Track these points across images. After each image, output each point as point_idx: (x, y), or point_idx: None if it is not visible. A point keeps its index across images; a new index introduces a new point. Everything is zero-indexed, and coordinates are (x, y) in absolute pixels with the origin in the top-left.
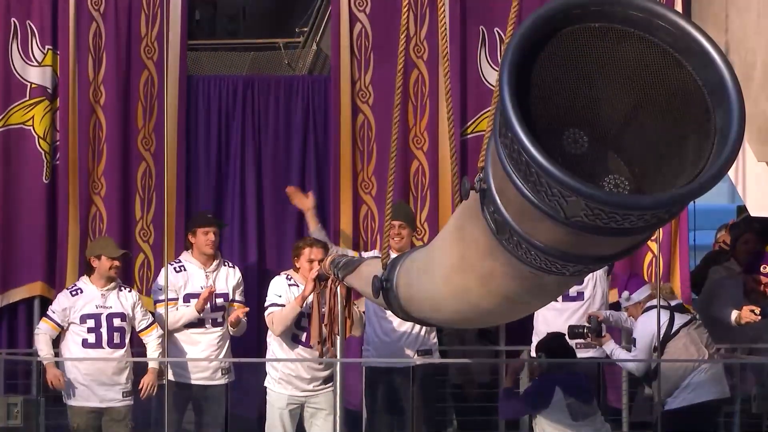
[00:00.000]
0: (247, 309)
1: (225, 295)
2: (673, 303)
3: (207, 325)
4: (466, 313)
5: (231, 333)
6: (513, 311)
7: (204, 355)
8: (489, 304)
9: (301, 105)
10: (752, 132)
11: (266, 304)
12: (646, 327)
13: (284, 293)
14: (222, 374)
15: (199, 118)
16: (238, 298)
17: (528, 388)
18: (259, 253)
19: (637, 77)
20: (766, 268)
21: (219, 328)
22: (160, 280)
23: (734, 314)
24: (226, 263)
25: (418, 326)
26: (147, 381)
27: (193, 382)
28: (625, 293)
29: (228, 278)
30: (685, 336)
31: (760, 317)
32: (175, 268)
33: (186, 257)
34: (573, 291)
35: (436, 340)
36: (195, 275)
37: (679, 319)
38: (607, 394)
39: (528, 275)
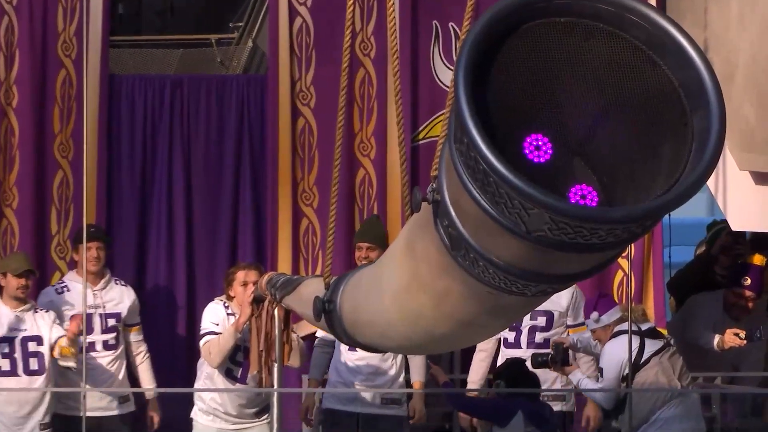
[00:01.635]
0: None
1: (117, 315)
2: (644, 327)
3: (98, 349)
4: (417, 338)
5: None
6: (469, 336)
7: (96, 382)
8: (443, 328)
9: (236, 107)
10: (734, 138)
11: (201, 332)
12: (614, 354)
13: (221, 321)
14: (120, 402)
15: (122, 123)
16: (133, 320)
17: (489, 398)
18: (188, 268)
19: (606, 77)
20: (747, 280)
21: (111, 352)
22: (41, 301)
23: (716, 339)
24: (117, 281)
25: (390, 362)
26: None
27: (88, 414)
28: (594, 314)
29: (121, 297)
30: (656, 365)
31: (745, 341)
32: (56, 290)
33: (71, 276)
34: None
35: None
36: (81, 296)
37: (651, 346)
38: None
39: (486, 296)
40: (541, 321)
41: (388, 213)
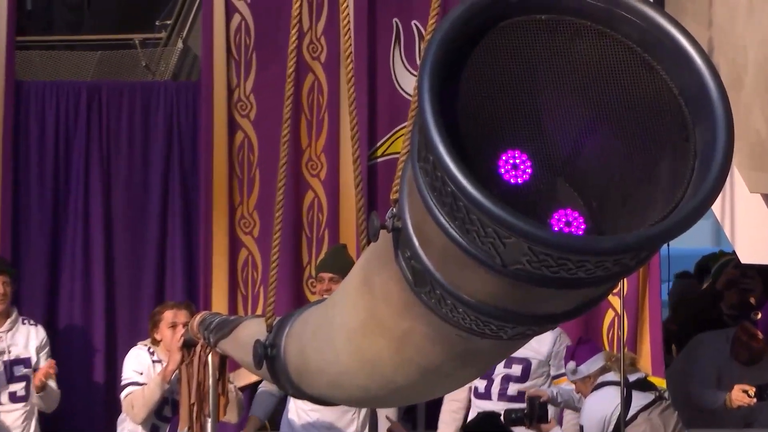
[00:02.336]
0: (54, 363)
1: (26, 361)
2: (632, 378)
3: (3, 401)
4: (375, 388)
5: (38, 406)
6: (434, 386)
7: None
8: (404, 377)
9: (163, 119)
10: (743, 154)
11: (123, 382)
12: (596, 410)
13: (146, 370)
14: None
15: (31, 137)
16: (43, 362)
17: None
18: (107, 306)
19: (595, 84)
20: (758, 315)
21: (21, 404)
22: None
23: (723, 397)
24: (25, 321)
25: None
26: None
27: None
28: (571, 364)
29: (29, 339)
30: (644, 422)
31: (755, 399)
32: None
33: None
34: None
35: None
36: None
37: (639, 400)
38: None
39: (454, 339)
40: (516, 370)
41: (341, 242)
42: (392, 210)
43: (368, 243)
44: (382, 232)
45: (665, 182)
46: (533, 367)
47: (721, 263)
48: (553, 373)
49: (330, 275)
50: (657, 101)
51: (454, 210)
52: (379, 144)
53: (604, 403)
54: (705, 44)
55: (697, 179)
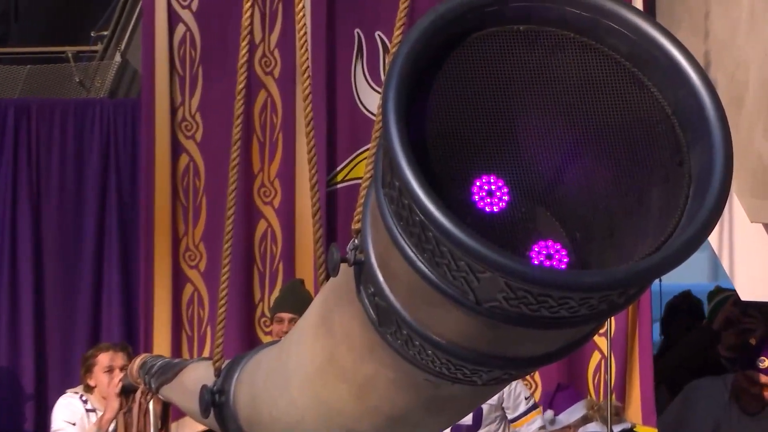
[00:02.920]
0: None
1: None
2: (617, 429)
3: None
4: None
5: None
6: None
7: None
8: (368, 427)
9: (99, 140)
10: (743, 180)
11: None
12: None
13: (79, 419)
14: None
15: None
16: None
17: None
18: (37, 349)
19: (579, 102)
20: (765, 361)
21: None
22: None
23: None
24: None
25: None
26: None
27: None
28: (549, 413)
29: None
30: None
31: None
32: None
33: None
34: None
35: None
36: None
37: None
38: None
39: (423, 385)
40: (467, 418)
41: (298, 277)
42: (354, 241)
43: (327, 278)
44: (343, 265)
45: (656, 211)
46: (484, 413)
47: (718, 300)
48: (510, 416)
49: (290, 315)
50: (647, 122)
51: (422, 241)
52: (339, 168)
53: None
54: (701, 59)
55: (691, 208)
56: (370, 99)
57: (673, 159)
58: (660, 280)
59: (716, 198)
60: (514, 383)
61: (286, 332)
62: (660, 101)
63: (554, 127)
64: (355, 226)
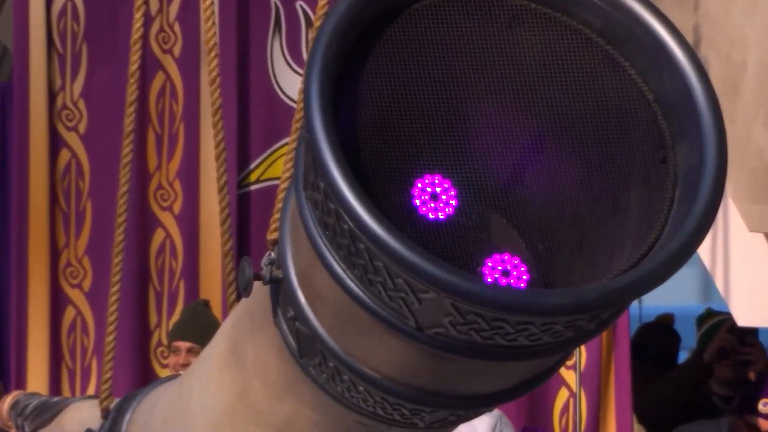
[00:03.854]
0: None
1: None
2: None
3: None
4: None
5: None
6: None
7: None
8: None
9: None
10: (740, 181)
11: None
12: None
13: None
14: None
15: None
16: None
17: None
18: None
19: (541, 88)
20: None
21: None
22: None
23: None
24: None
25: None
26: None
27: None
28: None
29: None
30: None
31: None
32: None
33: None
34: None
35: None
36: None
37: None
38: None
39: (353, 428)
40: None
41: (202, 298)
42: (270, 255)
43: (238, 299)
44: (257, 284)
45: (635, 218)
46: None
47: (710, 326)
48: None
49: (188, 344)
50: (624, 111)
51: (352, 254)
52: (252, 166)
53: None
54: (690, 35)
55: (677, 214)
56: (289, 82)
57: (655, 155)
58: (640, 301)
59: (707, 202)
60: (499, 425)
61: (184, 364)
62: (640, 86)
63: (512, 118)
64: (272, 236)
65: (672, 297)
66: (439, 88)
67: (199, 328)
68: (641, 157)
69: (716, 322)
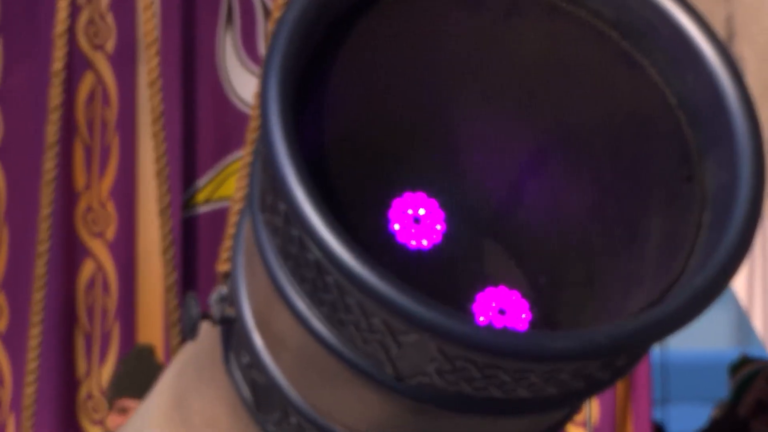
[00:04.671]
0: None
1: None
2: None
3: None
4: None
5: None
6: None
7: None
8: None
9: None
10: None
11: None
12: None
13: None
14: None
15: None
16: None
17: None
18: None
19: (543, 91)
20: None
21: None
22: None
23: None
24: None
25: None
26: None
27: None
28: None
29: None
30: None
31: None
32: None
33: None
34: None
35: None
36: None
37: None
38: None
39: None
40: None
41: (142, 342)
42: (220, 290)
43: (183, 342)
44: (205, 325)
45: (655, 247)
46: None
47: (745, 375)
48: None
49: (136, 403)
50: (642, 118)
51: (319, 289)
52: (200, 184)
53: None
54: (722, 27)
55: (706, 243)
56: (244, 84)
57: (678, 172)
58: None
59: (741, 228)
60: None
61: (121, 419)
62: (660, 88)
63: (509, 127)
64: (223, 267)
65: (701, 340)
66: (423, 91)
67: (144, 381)
68: (662, 173)
69: (753, 371)
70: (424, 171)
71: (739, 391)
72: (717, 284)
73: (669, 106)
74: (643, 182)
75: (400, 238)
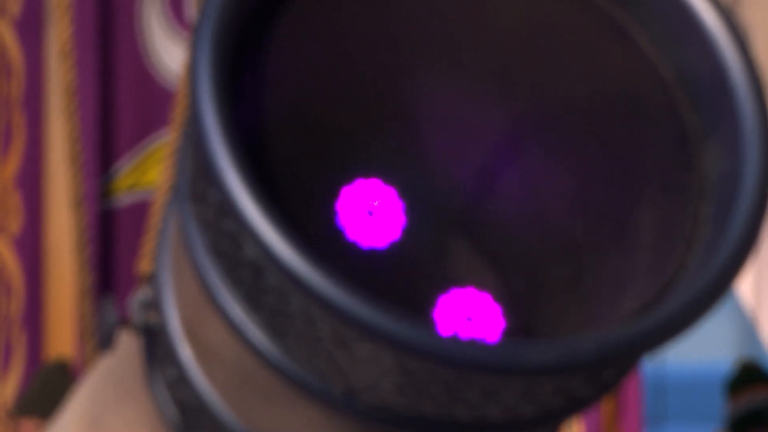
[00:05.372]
0: None
1: None
2: None
3: None
4: None
5: None
6: None
7: None
8: None
9: None
10: None
11: None
12: None
13: None
14: None
15: None
16: None
17: None
18: None
19: (520, 63)
20: None
21: None
22: None
23: None
24: None
25: None
26: None
27: None
28: None
29: None
30: None
31: None
32: None
33: None
34: None
35: None
36: None
37: None
38: None
39: None
40: None
41: (49, 351)
42: (143, 294)
43: (99, 354)
44: (125, 333)
45: (648, 245)
46: None
47: (756, 404)
48: None
49: (36, 420)
50: (634, 97)
51: (257, 293)
52: (120, 171)
53: None
54: None
55: (707, 238)
56: (170, 54)
57: (675, 158)
58: (656, 357)
59: (746, 222)
60: None
61: None
62: (655, 63)
63: (480, 106)
64: (146, 267)
65: (700, 351)
66: (381, 62)
67: (57, 399)
68: (656, 160)
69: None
70: (381, 156)
71: (756, 417)
72: (719, 286)
73: (664, 83)
74: (634, 170)
75: (351, 234)
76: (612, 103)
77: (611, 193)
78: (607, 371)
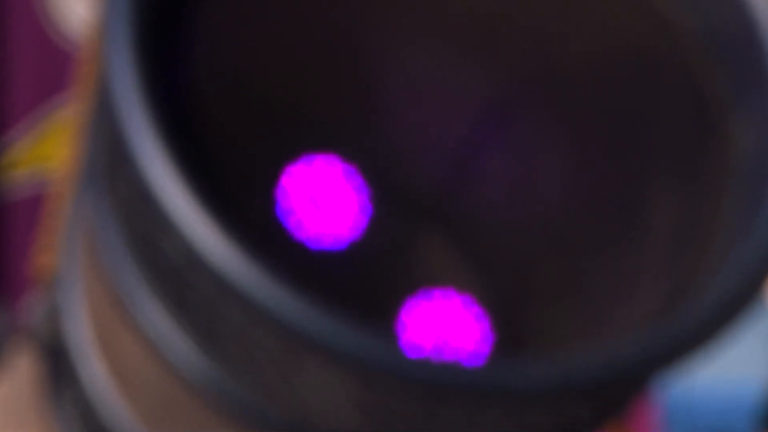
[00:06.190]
0: None
1: None
2: None
3: None
4: None
5: None
6: None
7: None
8: None
9: None
10: None
11: None
12: None
13: None
14: None
15: None
16: None
17: None
18: None
19: (505, 22)
20: None
21: None
22: None
23: None
24: None
25: None
26: None
27: None
28: None
29: None
30: None
31: None
32: None
33: None
34: None
35: None
36: None
37: None
38: None
39: None
40: None
41: None
42: (44, 298)
43: None
44: (23, 346)
45: (661, 238)
46: None
47: None
48: None
49: None
50: (644, 58)
51: (181, 296)
52: (14, 145)
53: None
54: None
55: (732, 227)
56: (74, 8)
57: (692, 130)
58: (675, 378)
59: None
60: None
61: None
62: (669, 17)
63: (458, 72)
64: (45, 265)
65: (730, 368)
66: (338, 19)
67: None
68: (670, 133)
69: None
70: (340, 135)
71: None
72: (748, 289)
73: (680, 40)
74: (643, 146)
75: (301, 228)
76: (618, 66)
77: (614, 174)
78: (611, 393)
